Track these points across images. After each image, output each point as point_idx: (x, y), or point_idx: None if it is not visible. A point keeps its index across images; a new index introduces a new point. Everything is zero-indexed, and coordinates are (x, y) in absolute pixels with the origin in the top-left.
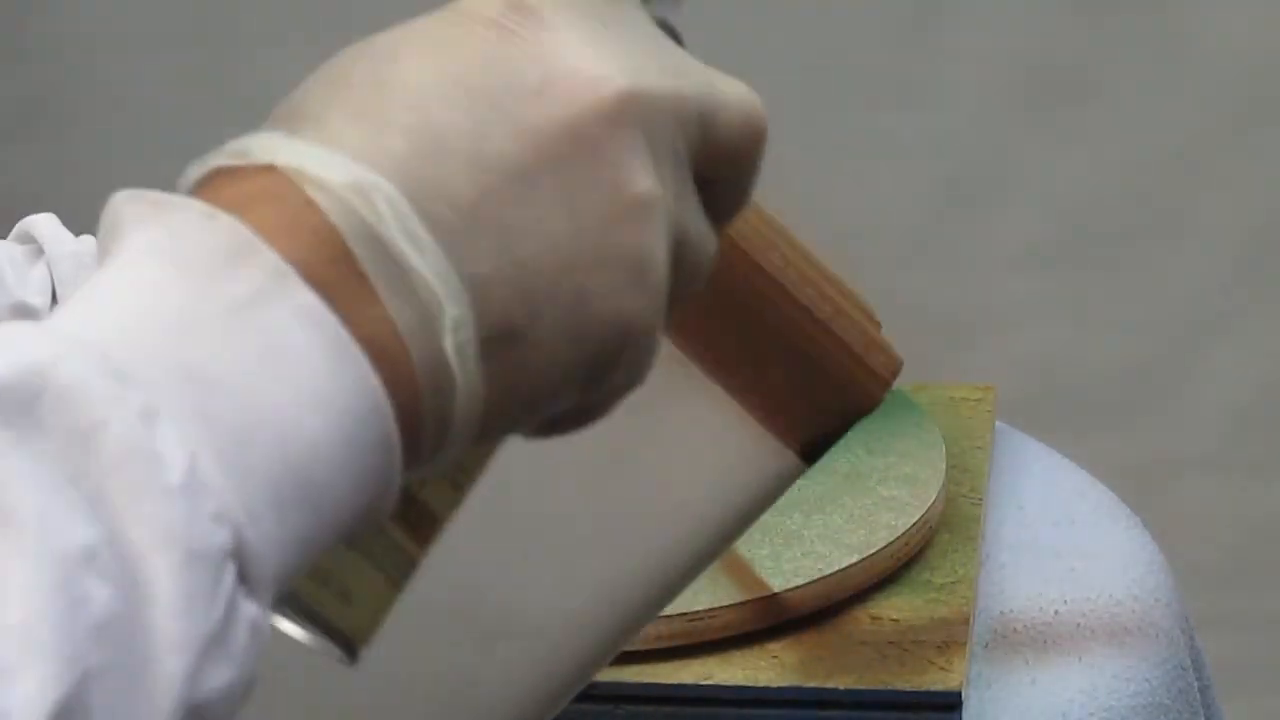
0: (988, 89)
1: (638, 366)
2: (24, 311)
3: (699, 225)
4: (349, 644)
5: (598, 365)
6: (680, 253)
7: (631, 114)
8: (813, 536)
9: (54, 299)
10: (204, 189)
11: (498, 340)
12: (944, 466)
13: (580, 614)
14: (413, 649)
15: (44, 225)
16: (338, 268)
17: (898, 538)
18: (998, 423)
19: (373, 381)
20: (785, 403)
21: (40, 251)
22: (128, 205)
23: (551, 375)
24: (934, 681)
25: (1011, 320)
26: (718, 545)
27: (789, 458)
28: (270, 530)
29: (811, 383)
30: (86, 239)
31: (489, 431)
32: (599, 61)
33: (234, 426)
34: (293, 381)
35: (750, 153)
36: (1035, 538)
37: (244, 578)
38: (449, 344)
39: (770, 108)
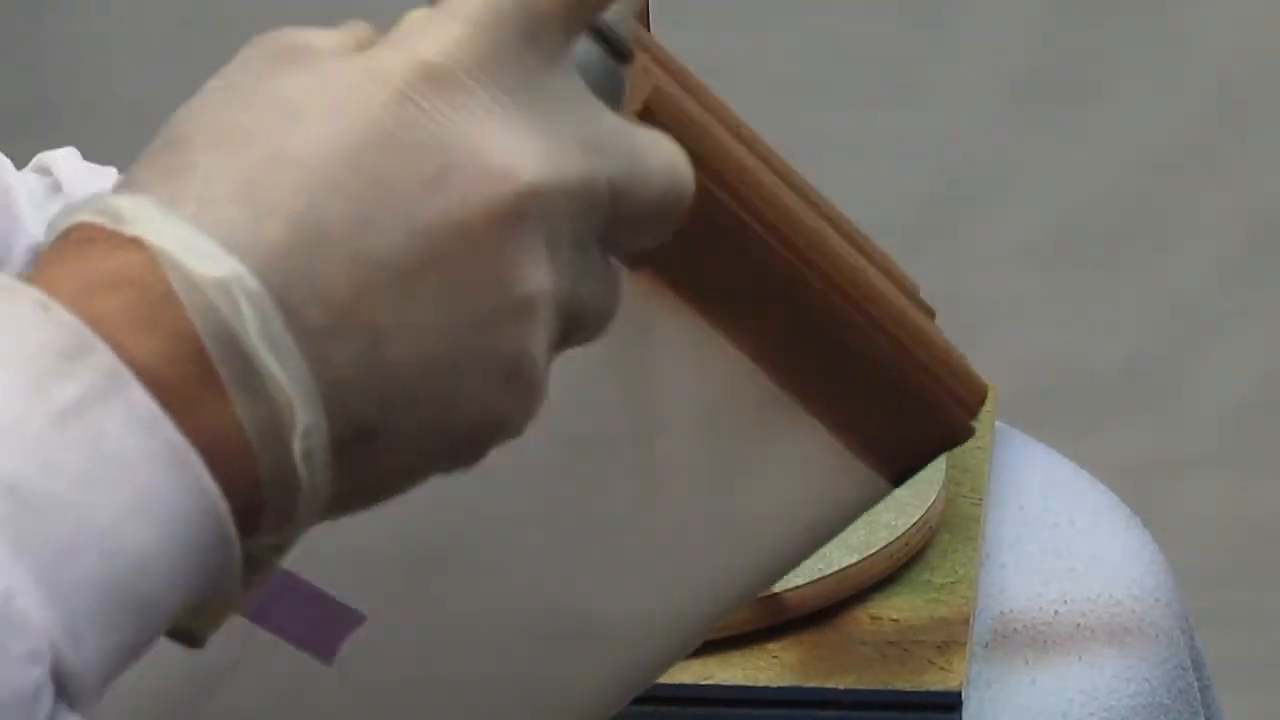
0: (987, 88)
1: (494, 446)
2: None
3: (599, 290)
4: (192, 637)
5: (457, 457)
6: (575, 322)
7: (532, 210)
8: None
9: None
10: (67, 247)
11: (351, 440)
12: (944, 466)
13: (657, 621)
14: (485, 652)
15: (63, 161)
16: (190, 366)
17: (898, 538)
18: (998, 423)
19: (208, 485)
20: (878, 437)
21: (59, 187)
22: None
23: (405, 470)
24: (934, 681)
25: (1010, 319)
26: (796, 560)
27: (879, 483)
28: (93, 646)
29: (904, 418)
30: (107, 176)
31: (337, 514)
32: (507, 150)
33: (57, 544)
34: (123, 489)
35: (670, 217)
36: (1035, 538)
37: (63, 691)
38: (297, 449)
39: (770, 106)
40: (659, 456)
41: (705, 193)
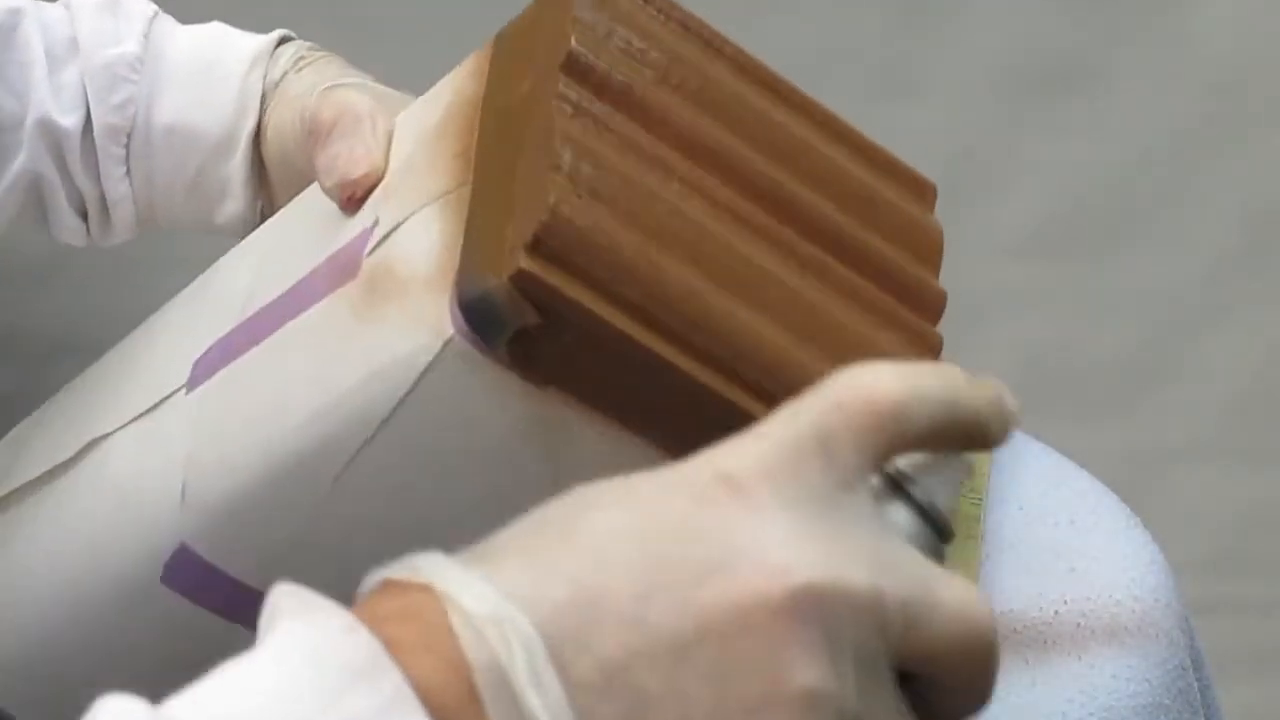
0: (984, 81)
1: None
2: (49, 130)
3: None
4: None
5: None
6: None
7: (808, 608)
8: None
9: (87, 117)
10: (372, 596)
11: None
12: None
13: None
14: None
15: (84, 17)
16: (460, 696)
17: None
18: None
19: None
20: None
21: (76, 46)
22: (284, 598)
23: None
24: None
25: (1004, 312)
26: None
27: None
28: None
29: None
30: (126, 40)
31: None
32: (789, 550)
33: None
34: None
35: (968, 658)
36: (1035, 538)
37: None
38: None
39: None
40: None
41: (598, 321)
